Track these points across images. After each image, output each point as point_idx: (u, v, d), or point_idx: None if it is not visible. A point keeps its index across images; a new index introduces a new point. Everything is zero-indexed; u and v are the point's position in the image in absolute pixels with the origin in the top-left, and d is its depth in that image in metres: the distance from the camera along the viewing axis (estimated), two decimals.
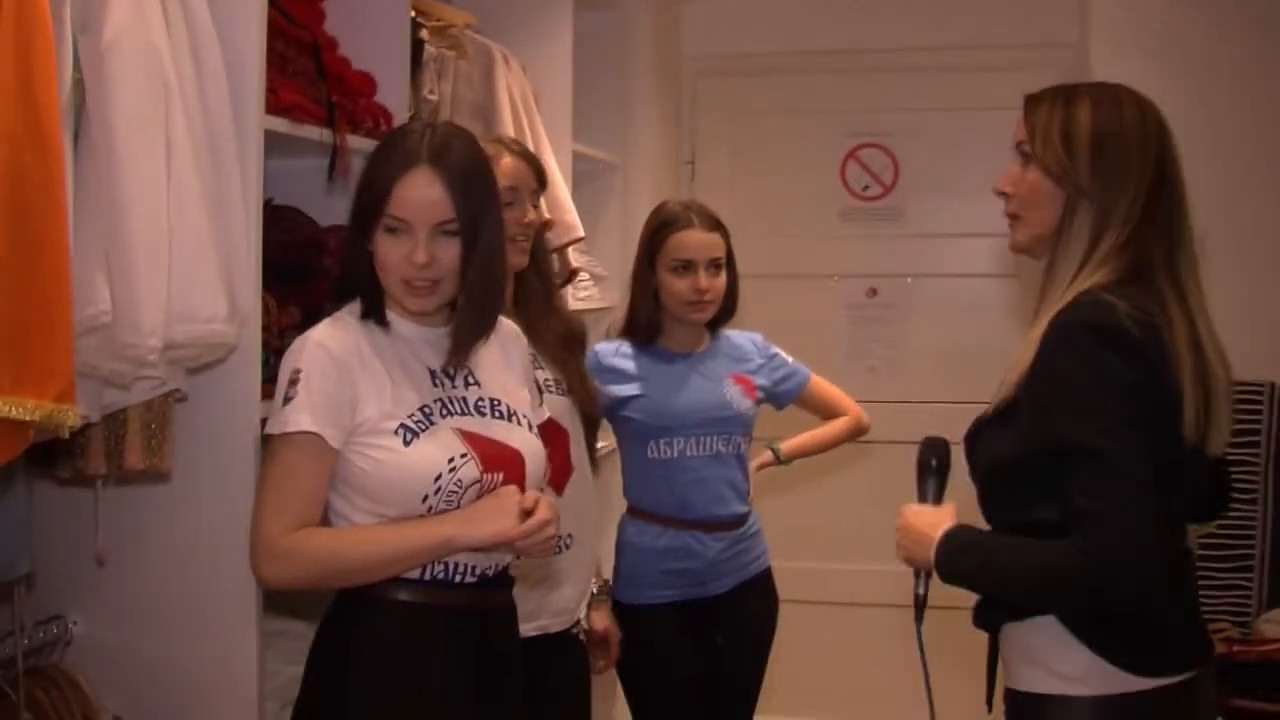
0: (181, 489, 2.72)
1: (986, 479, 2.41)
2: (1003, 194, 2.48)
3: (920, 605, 2.52)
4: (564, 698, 3.38)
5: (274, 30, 2.87)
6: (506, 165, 3.21)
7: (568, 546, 3.28)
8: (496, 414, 2.60)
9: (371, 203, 2.48)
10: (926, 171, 5.66)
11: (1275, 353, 4.61)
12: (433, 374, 2.56)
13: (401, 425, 2.45)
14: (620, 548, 3.80)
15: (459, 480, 2.45)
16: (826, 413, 4.12)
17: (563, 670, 3.36)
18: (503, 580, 2.62)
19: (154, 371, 2.45)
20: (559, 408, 3.24)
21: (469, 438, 2.50)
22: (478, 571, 2.53)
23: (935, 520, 2.42)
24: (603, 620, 3.60)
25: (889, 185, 5.74)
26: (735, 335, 3.97)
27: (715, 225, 3.81)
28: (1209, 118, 4.86)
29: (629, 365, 3.75)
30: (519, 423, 2.63)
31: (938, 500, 2.53)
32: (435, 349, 2.57)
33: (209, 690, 2.73)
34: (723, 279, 3.79)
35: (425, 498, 2.43)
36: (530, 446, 2.62)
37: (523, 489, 2.53)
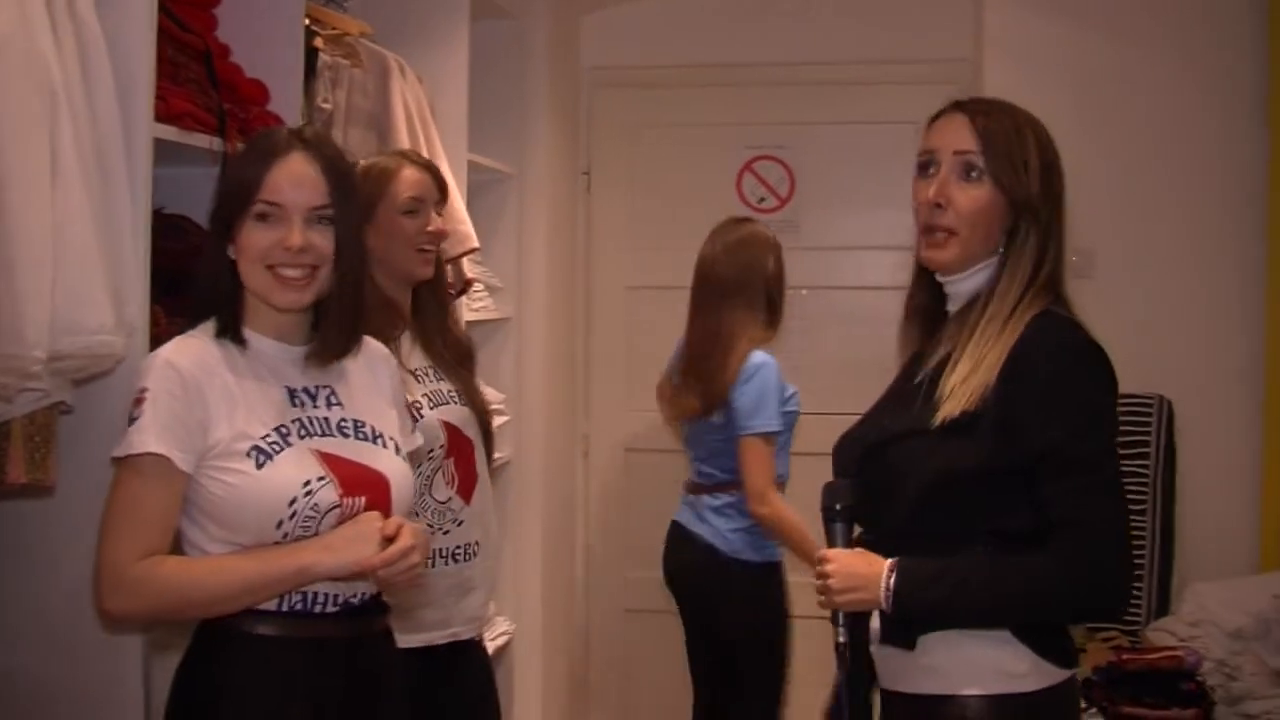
0: (66, 503, 2.67)
1: (930, 490, 2.34)
2: (936, 206, 2.42)
3: (845, 653, 2.40)
4: (476, 703, 3.41)
5: (164, 37, 2.84)
6: (409, 176, 3.26)
7: (475, 554, 3.32)
8: (360, 435, 2.49)
9: (241, 192, 2.40)
10: (822, 184, 5.67)
11: (1164, 366, 4.68)
12: (291, 393, 2.45)
13: (255, 447, 2.34)
14: None
15: (315, 505, 2.33)
16: None
17: (474, 676, 3.39)
18: (372, 609, 2.49)
19: (38, 383, 2.41)
20: (463, 417, 3.30)
21: (328, 460, 2.39)
22: (340, 600, 2.41)
23: (868, 559, 2.36)
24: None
25: (784, 198, 5.75)
26: None
27: None
28: (1100, 132, 4.94)
29: None
30: (385, 445, 2.52)
31: (847, 544, 2.42)
32: (294, 367, 2.48)
33: (94, 711, 2.68)
34: None
35: (280, 523, 2.31)
36: (397, 470, 2.50)
37: (388, 513, 2.42)
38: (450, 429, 3.27)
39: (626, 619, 5.70)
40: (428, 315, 3.35)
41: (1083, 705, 3.98)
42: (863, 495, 2.43)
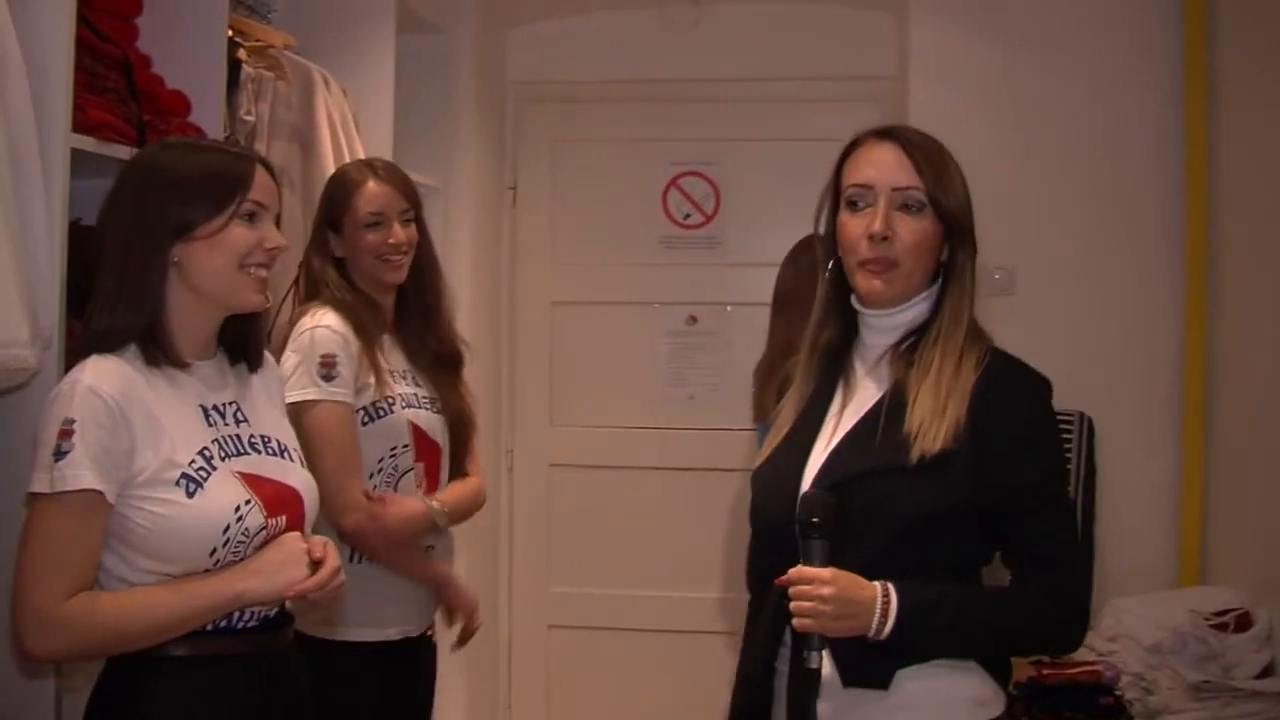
0: None
1: (908, 527, 2.29)
2: (883, 239, 2.37)
3: (815, 680, 2.29)
4: (419, 696, 3.49)
5: (83, 47, 2.82)
6: (370, 191, 3.34)
7: (430, 556, 3.40)
8: (270, 450, 2.46)
9: (226, 194, 2.34)
10: (748, 200, 5.69)
11: (1085, 383, 4.72)
12: (205, 412, 2.39)
13: (184, 475, 2.27)
14: None
15: (246, 529, 2.30)
16: None
17: (421, 671, 3.47)
18: (282, 621, 2.46)
19: None
20: (434, 424, 3.38)
21: (250, 480, 2.36)
22: (259, 614, 2.38)
23: (855, 581, 2.26)
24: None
25: (710, 214, 5.76)
26: None
27: None
28: (1022, 149, 4.99)
29: None
30: (291, 458, 2.50)
31: (825, 563, 2.28)
32: (203, 384, 2.42)
33: None
34: None
35: (213, 551, 2.27)
36: (305, 483, 2.49)
37: (302, 528, 2.43)
38: (419, 433, 3.33)
39: (549, 634, 5.67)
40: (409, 318, 3.42)
41: None
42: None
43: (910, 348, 2.42)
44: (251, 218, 2.37)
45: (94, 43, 2.94)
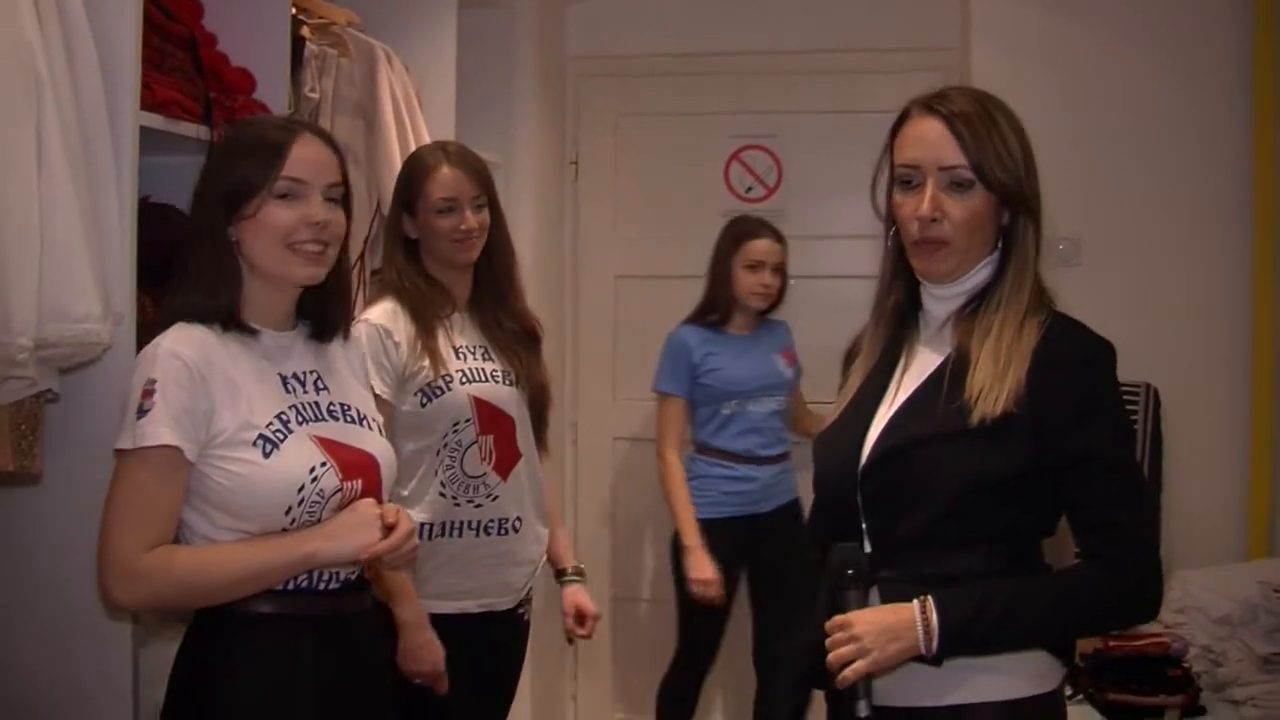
0: (53, 491, 2.67)
1: (963, 494, 2.27)
2: (931, 220, 2.34)
3: None
4: (501, 674, 3.54)
5: (150, 25, 2.84)
6: (443, 176, 3.38)
7: (516, 529, 3.44)
8: (349, 418, 2.53)
9: (258, 174, 2.39)
10: (810, 173, 5.68)
11: (1151, 354, 4.69)
12: (284, 379, 2.47)
13: (261, 436, 2.36)
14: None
15: (321, 490, 2.38)
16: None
17: (503, 646, 3.51)
18: (361, 585, 2.55)
19: (25, 371, 2.41)
20: (506, 397, 3.42)
21: (326, 445, 2.43)
22: (341, 577, 2.46)
23: (889, 609, 2.25)
24: (577, 599, 3.67)
25: (772, 187, 5.76)
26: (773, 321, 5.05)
27: (779, 237, 4.91)
28: (1086, 120, 4.95)
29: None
30: (370, 427, 2.57)
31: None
32: (283, 353, 2.50)
33: (83, 701, 2.68)
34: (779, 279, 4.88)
35: (288, 510, 2.35)
36: (383, 450, 2.56)
37: (378, 493, 2.49)
38: (483, 406, 3.36)
39: (613, 605, 5.69)
40: (484, 296, 3.48)
41: (1070, 693, 4.01)
42: (873, 501, 2.35)
43: (973, 312, 2.39)
44: (288, 196, 2.41)
45: (161, 21, 2.97)
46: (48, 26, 2.44)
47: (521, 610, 3.53)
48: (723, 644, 4.90)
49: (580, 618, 3.65)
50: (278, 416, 2.40)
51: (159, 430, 2.28)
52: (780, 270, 4.88)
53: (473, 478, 3.36)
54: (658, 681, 4.97)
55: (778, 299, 4.94)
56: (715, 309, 4.89)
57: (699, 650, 4.89)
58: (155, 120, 2.81)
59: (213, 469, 2.33)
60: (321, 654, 2.40)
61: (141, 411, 2.28)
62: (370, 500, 2.43)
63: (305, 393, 2.48)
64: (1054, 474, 2.28)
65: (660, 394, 4.88)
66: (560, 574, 3.70)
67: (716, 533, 4.74)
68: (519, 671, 3.63)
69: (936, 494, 2.29)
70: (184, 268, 2.44)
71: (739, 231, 4.90)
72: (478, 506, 3.37)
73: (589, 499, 5.78)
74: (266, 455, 2.35)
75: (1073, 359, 2.31)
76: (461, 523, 3.36)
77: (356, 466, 2.45)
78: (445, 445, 3.33)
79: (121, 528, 2.28)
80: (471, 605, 3.37)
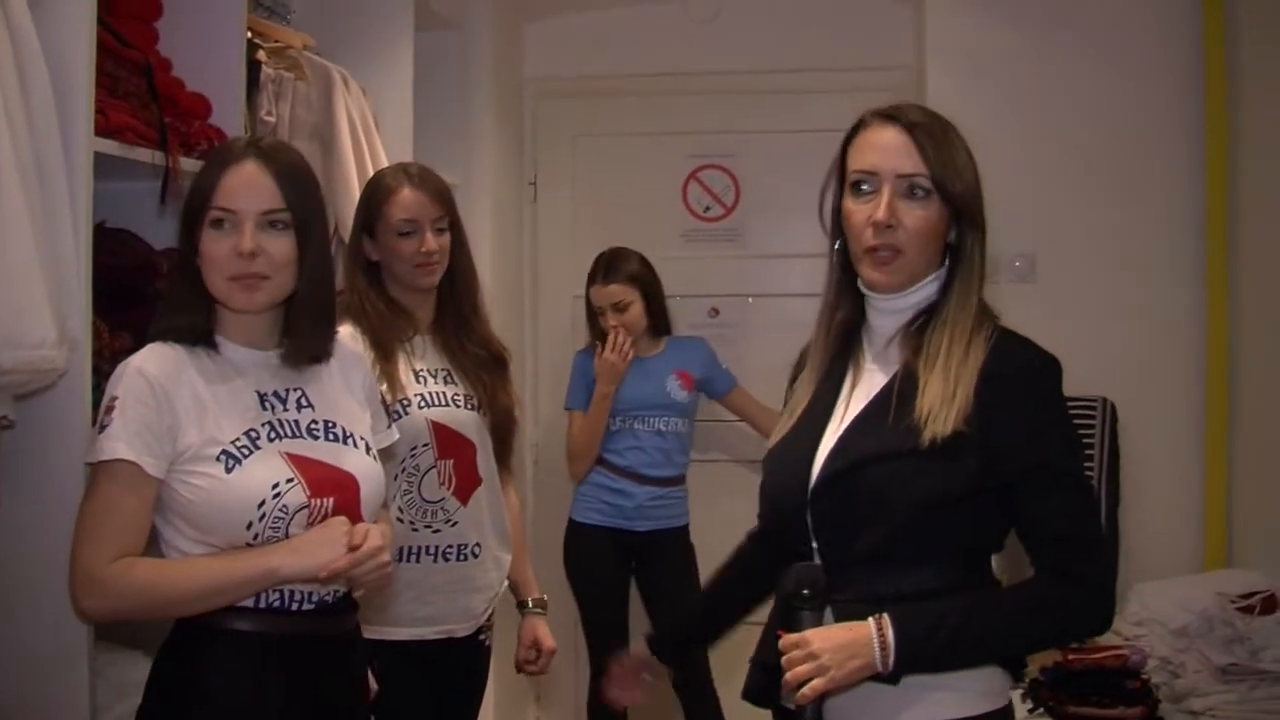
0: (7, 517, 2.66)
1: (917, 511, 2.27)
2: (886, 226, 2.33)
3: None
4: (460, 700, 3.51)
5: (104, 51, 2.83)
6: (404, 198, 3.36)
7: (475, 555, 3.41)
8: (330, 436, 2.54)
9: (198, 202, 2.43)
10: (767, 192, 5.71)
11: (1106, 368, 4.73)
12: (261, 397, 2.49)
13: (224, 451, 2.39)
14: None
15: (284, 506, 2.39)
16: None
17: (463, 673, 3.49)
18: (343, 606, 2.54)
19: None
20: (466, 421, 3.39)
21: (297, 461, 2.45)
22: (315, 598, 2.46)
23: (843, 627, 2.24)
24: (536, 630, 3.68)
25: (730, 206, 5.79)
26: (684, 339, 5.20)
27: (618, 277, 5.01)
28: (1040, 137, 5.00)
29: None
30: (355, 445, 2.57)
31: None
32: (265, 371, 2.52)
33: None
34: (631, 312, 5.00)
35: (250, 524, 2.37)
36: (366, 469, 2.56)
37: (357, 512, 2.50)
38: (442, 430, 3.34)
39: (572, 630, 5.66)
40: (447, 319, 3.45)
41: (1030, 707, 4.04)
42: (823, 520, 2.35)
43: (919, 329, 2.39)
44: (220, 224, 2.43)
45: (114, 46, 2.96)
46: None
47: (483, 636, 3.50)
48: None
49: (536, 650, 3.66)
50: (245, 433, 2.43)
51: (116, 445, 2.32)
52: (625, 308, 4.98)
53: (431, 502, 3.34)
54: (588, 700, 5.03)
55: (653, 322, 5.07)
56: (597, 332, 5.08)
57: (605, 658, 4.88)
58: (110, 146, 2.80)
59: (179, 483, 2.37)
60: (291, 674, 2.41)
61: (102, 427, 2.35)
62: (342, 519, 2.44)
63: (286, 410, 2.51)
64: (1004, 489, 2.28)
65: (567, 412, 5.14)
66: (521, 604, 3.70)
67: (591, 538, 5.04)
68: (479, 698, 3.60)
69: (888, 513, 2.28)
70: (168, 289, 2.56)
71: (592, 267, 5.11)
72: (435, 532, 3.34)
73: (549, 519, 5.77)
74: (229, 470, 2.38)
75: (1020, 375, 2.31)
76: (419, 548, 3.33)
77: (329, 484, 2.47)
78: (403, 469, 3.30)
79: (87, 539, 2.34)
80: (429, 631, 3.34)
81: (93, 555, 2.32)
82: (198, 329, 2.47)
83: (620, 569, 5.06)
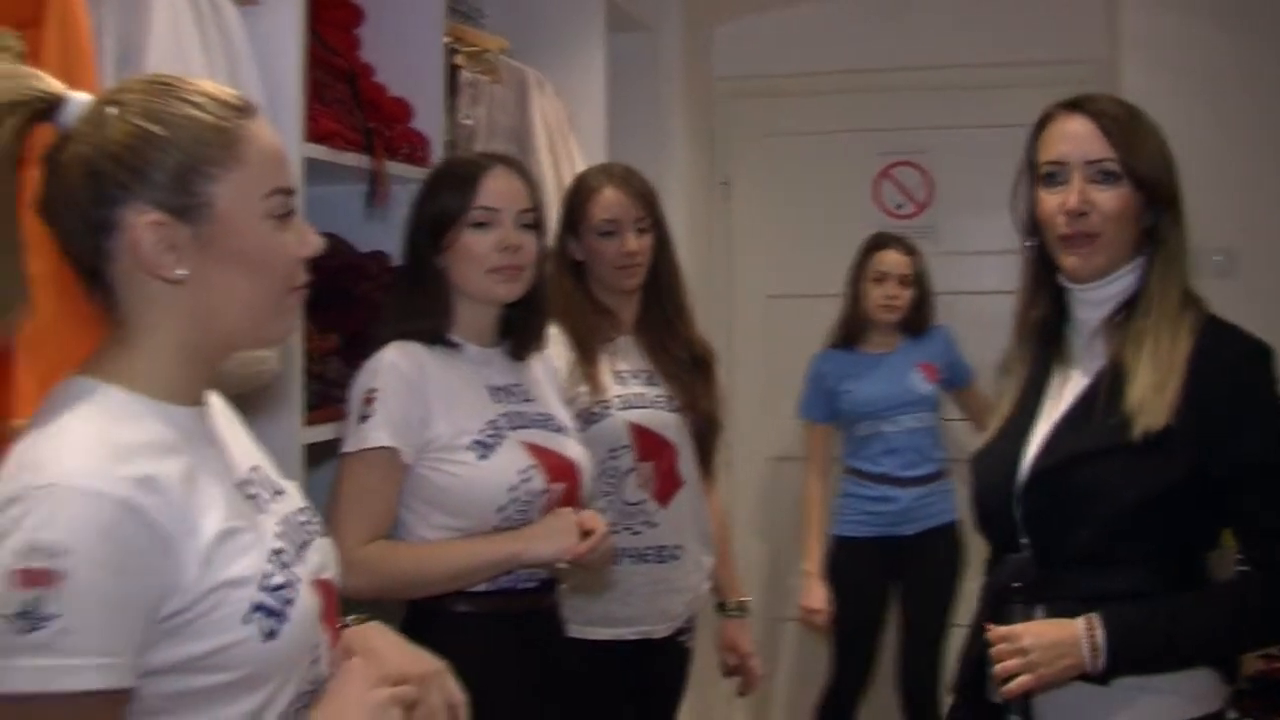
0: None
1: (1131, 509, 2.24)
2: (1079, 214, 2.32)
3: None
4: (658, 702, 3.51)
5: (311, 59, 2.90)
6: (606, 198, 3.35)
7: (676, 557, 3.39)
8: (551, 427, 2.76)
9: (454, 205, 2.66)
10: (960, 188, 5.64)
11: None
12: (492, 391, 2.69)
13: (475, 441, 2.60)
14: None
15: (530, 490, 2.61)
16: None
17: (661, 674, 3.48)
18: (550, 586, 2.76)
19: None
20: (667, 423, 3.38)
21: (534, 450, 2.66)
22: (536, 576, 2.68)
23: (1055, 624, 2.23)
24: (732, 634, 3.70)
25: (922, 203, 5.73)
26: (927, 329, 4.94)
27: (909, 250, 4.83)
28: (1239, 131, 4.88)
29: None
30: (569, 435, 2.80)
31: None
32: (490, 367, 2.74)
33: None
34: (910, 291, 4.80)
35: (501, 508, 2.58)
36: (583, 458, 2.79)
37: (579, 496, 2.74)
38: (642, 432, 3.33)
39: (777, 628, 5.68)
40: (652, 320, 3.45)
41: (1235, 716, 3.92)
42: (1032, 518, 2.33)
43: (1123, 321, 2.35)
44: (483, 224, 2.67)
45: (321, 54, 3.03)
46: (214, 62, 2.50)
47: (683, 638, 3.49)
48: (877, 664, 4.88)
49: (735, 656, 3.68)
50: (489, 423, 2.63)
51: (379, 434, 2.55)
52: (909, 282, 4.80)
53: (631, 505, 3.32)
54: (817, 703, 4.95)
55: (912, 313, 4.83)
56: (847, 328, 4.89)
57: (847, 670, 4.86)
58: (319, 151, 2.87)
59: (431, 471, 2.59)
60: (523, 649, 2.63)
61: (363, 418, 2.56)
62: (569, 509, 2.66)
63: (514, 403, 2.72)
64: (1217, 484, 2.23)
65: (803, 421, 4.97)
66: (720, 607, 3.70)
67: (857, 551, 4.77)
68: (678, 700, 3.58)
69: (1100, 511, 2.25)
70: (396, 294, 2.80)
71: (868, 244, 4.89)
72: (635, 534, 3.32)
73: (742, 519, 5.76)
74: (481, 458, 2.59)
75: (1231, 363, 2.27)
76: (619, 550, 3.27)
77: (560, 470, 2.69)
78: (603, 471, 3.26)
79: (345, 522, 2.52)
80: (628, 632, 3.33)
81: (349, 539, 2.47)
82: (438, 329, 2.66)
83: (884, 579, 4.82)
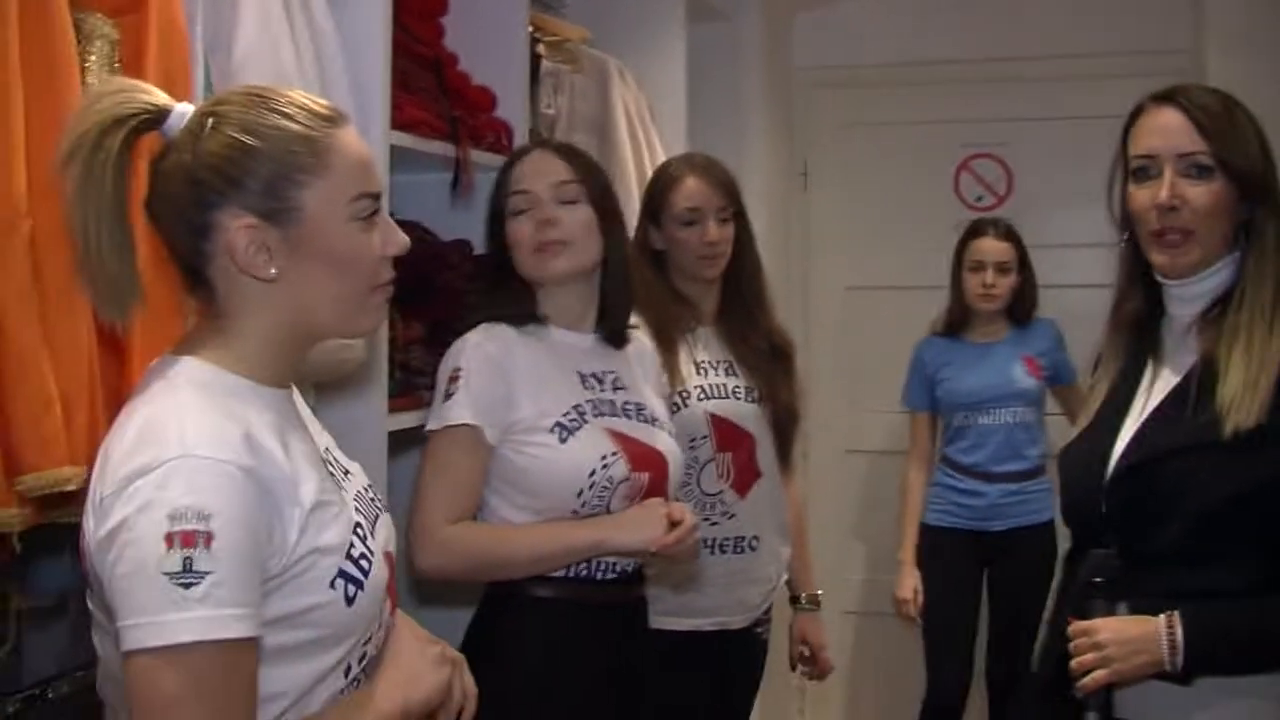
0: None
1: (1219, 507, 2.21)
2: (1170, 209, 2.28)
3: None
4: (734, 692, 3.50)
5: (397, 48, 2.91)
6: (688, 187, 3.33)
7: (753, 548, 3.38)
8: (641, 417, 2.74)
9: (497, 199, 2.69)
10: (1041, 181, 5.60)
11: None
12: (582, 377, 2.70)
13: (557, 424, 2.59)
14: None
15: (610, 477, 2.60)
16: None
17: (737, 666, 3.46)
18: (636, 577, 2.74)
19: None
20: (746, 414, 3.38)
21: (618, 437, 2.65)
22: (618, 569, 2.66)
23: (1135, 620, 2.21)
24: (804, 627, 3.71)
25: (1002, 195, 5.69)
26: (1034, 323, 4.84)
27: (1006, 235, 4.76)
28: None
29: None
30: (661, 427, 2.77)
31: None
32: (583, 354, 2.74)
33: None
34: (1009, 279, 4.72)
35: (580, 493, 2.57)
36: (673, 451, 2.76)
37: (665, 488, 2.70)
38: (721, 422, 3.32)
39: (843, 621, 5.65)
40: (732, 310, 3.44)
41: None
42: (1119, 514, 2.30)
43: (1217, 317, 2.31)
44: (520, 211, 2.69)
45: (406, 43, 3.04)
46: (302, 51, 2.51)
47: (759, 629, 3.48)
48: (971, 668, 4.79)
49: (808, 649, 3.68)
50: (574, 407, 2.63)
51: (461, 412, 2.56)
52: (1007, 270, 4.71)
53: (709, 495, 3.31)
54: (888, 702, 4.94)
55: (1015, 301, 4.76)
56: (951, 316, 4.82)
57: (940, 675, 4.77)
58: (405, 139, 2.89)
59: (513, 452, 2.59)
60: (596, 639, 2.62)
61: (447, 395, 2.59)
62: (659, 500, 2.64)
63: (603, 390, 2.72)
64: None
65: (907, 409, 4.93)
66: (794, 600, 3.70)
67: (945, 541, 4.73)
68: (753, 691, 3.57)
69: (1188, 508, 2.22)
70: (481, 283, 2.85)
71: (965, 232, 4.85)
72: (713, 524, 3.30)
73: (819, 513, 5.74)
74: (562, 441, 2.59)
75: None
76: (697, 539, 3.32)
77: (646, 460, 2.66)
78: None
79: (427, 501, 2.57)
80: (705, 623, 3.31)
81: (433, 516, 2.55)
82: (525, 314, 2.67)
83: (973, 571, 4.75)
